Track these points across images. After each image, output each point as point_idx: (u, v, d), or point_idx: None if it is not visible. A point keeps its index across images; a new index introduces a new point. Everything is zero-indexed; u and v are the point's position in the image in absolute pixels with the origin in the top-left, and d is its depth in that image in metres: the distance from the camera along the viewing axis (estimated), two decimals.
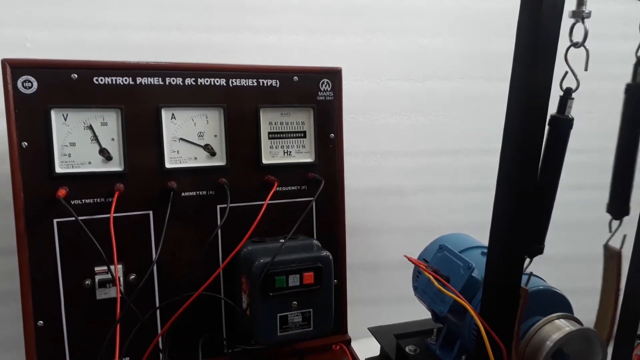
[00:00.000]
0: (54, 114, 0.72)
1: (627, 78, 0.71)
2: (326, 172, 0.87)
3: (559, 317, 0.70)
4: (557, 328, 0.69)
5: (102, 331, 0.73)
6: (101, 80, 0.74)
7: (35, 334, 0.73)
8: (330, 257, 0.77)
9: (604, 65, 0.89)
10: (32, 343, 0.73)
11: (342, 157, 0.88)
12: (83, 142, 0.74)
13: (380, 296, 1.20)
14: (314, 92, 0.85)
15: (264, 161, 0.84)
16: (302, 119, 0.86)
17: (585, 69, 0.58)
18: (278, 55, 1.02)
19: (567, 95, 0.61)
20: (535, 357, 0.68)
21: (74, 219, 0.71)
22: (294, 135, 0.86)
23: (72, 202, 0.74)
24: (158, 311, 0.79)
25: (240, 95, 0.81)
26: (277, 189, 0.83)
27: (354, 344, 0.91)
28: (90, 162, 0.75)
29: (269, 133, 0.84)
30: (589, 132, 1.02)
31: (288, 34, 1.06)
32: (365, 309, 1.05)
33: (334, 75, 0.86)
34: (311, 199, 0.85)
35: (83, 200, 0.74)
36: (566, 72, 0.60)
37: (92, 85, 0.74)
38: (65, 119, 0.73)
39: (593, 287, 0.77)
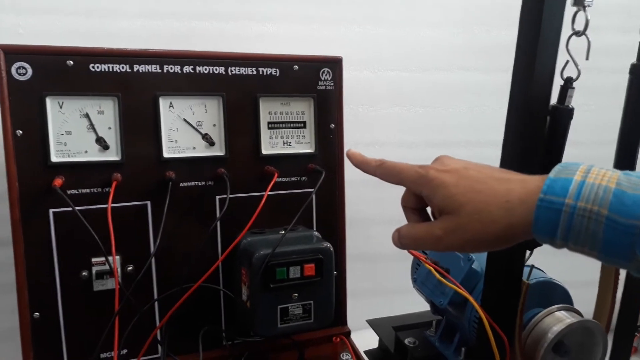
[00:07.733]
0: (49, 102, 0.70)
1: (624, 72, 0.70)
2: (326, 163, 0.86)
3: (559, 309, 0.70)
4: (557, 320, 0.69)
5: (99, 323, 0.72)
6: (97, 67, 0.72)
7: (31, 326, 0.72)
8: (331, 248, 0.76)
9: (602, 58, 0.88)
10: (28, 335, 0.72)
11: (342, 148, 0.87)
12: (79, 131, 0.73)
13: (378, 288, 1.20)
14: (314, 82, 0.84)
15: (264, 151, 0.83)
16: (302, 109, 0.85)
17: (587, 58, 0.58)
18: (277, 45, 1.00)
19: (567, 85, 0.61)
20: (536, 349, 0.68)
21: (70, 209, 0.70)
22: (294, 125, 0.84)
23: (69, 192, 0.72)
24: (157, 303, 0.78)
25: (240, 84, 0.80)
26: (277, 179, 0.82)
27: (351, 336, 0.90)
28: (86, 152, 0.73)
29: (269, 123, 0.83)
30: (586, 125, 1.02)
31: (288, 23, 1.05)
32: (362, 301, 1.05)
33: (335, 64, 0.85)
34: (311, 190, 0.84)
35: (80, 190, 0.73)
36: (567, 62, 0.60)
37: (88, 73, 0.72)
38: (60, 107, 0.71)
39: (592, 279, 0.78)
